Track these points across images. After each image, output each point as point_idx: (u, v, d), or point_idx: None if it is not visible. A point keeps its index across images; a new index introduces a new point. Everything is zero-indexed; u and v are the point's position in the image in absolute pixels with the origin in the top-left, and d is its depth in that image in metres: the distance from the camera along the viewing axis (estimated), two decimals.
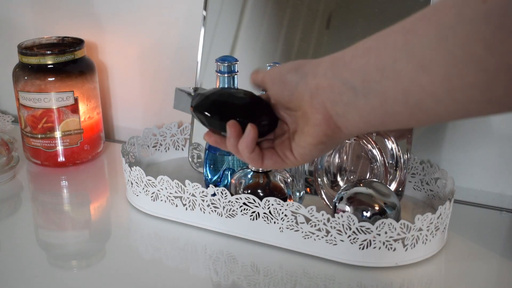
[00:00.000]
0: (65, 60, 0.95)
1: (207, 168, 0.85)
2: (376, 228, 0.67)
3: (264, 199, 0.72)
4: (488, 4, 0.40)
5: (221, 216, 0.76)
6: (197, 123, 0.93)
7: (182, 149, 0.99)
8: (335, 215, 0.69)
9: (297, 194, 0.82)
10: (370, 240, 0.68)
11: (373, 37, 0.48)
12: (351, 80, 0.48)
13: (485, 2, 0.40)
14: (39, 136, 0.97)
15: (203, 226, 0.78)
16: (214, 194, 0.75)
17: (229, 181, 0.82)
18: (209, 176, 0.85)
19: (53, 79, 0.94)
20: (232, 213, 0.75)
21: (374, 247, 0.69)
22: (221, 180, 0.85)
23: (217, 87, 0.82)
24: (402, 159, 0.80)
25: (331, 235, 0.70)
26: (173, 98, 0.67)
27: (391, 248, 0.69)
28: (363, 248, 0.69)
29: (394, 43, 0.45)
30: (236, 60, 0.81)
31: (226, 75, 0.80)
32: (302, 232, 0.72)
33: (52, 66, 0.94)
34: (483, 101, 0.42)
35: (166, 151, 0.98)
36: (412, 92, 0.45)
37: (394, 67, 0.45)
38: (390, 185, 0.79)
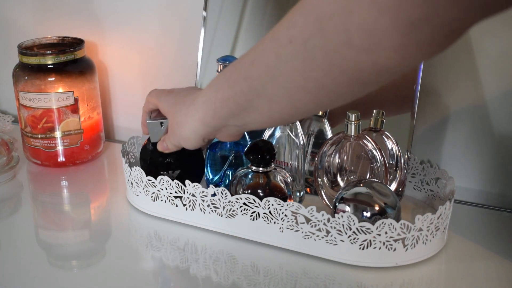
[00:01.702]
0: (65, 60, 0.95)
1: (208, 168, 0.85)
2: (376, 228, 0.67)
3: (264, 199, 0.72)
4: (293, 44, 0.51)
5: (221, 216, 0.76)
6: None
7: None
8: (335, 215, 0.69)
9: (297, 194, 0.82)
10: (370, 240, 0.68)
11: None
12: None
13: (291, 42, 0.51)
14: (39, 136, 0.97)
15: (203, 226, 0.78)
16: (214, 194, 0.75)
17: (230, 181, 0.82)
18: (210, 176, 0.85)
19: (53, 79, 0.94)
20: (232, 213, 0.75)
21: (374, 247, 0.69)
22: (222, 180, 0.85)
23: None
24: (402, 159, 0.80)
25: (331, 235, 0.70)
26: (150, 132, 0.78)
27: (391, 248, 0.69)
28: (363, 248, 0.69)
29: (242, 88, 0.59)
30: None
31: None
32: (302, 232, 0.72)
33: (52, 66, 0.94)
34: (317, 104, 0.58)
35: None
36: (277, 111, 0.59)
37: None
38: (390, 185, 0.79)
